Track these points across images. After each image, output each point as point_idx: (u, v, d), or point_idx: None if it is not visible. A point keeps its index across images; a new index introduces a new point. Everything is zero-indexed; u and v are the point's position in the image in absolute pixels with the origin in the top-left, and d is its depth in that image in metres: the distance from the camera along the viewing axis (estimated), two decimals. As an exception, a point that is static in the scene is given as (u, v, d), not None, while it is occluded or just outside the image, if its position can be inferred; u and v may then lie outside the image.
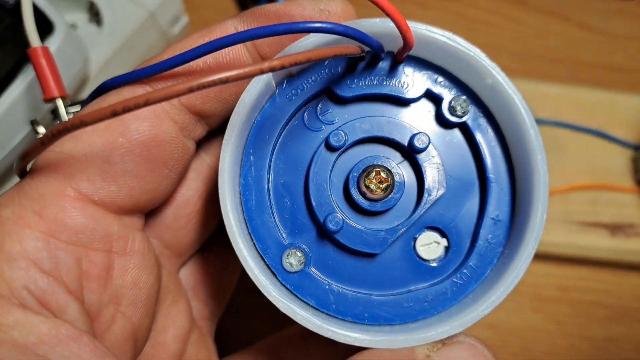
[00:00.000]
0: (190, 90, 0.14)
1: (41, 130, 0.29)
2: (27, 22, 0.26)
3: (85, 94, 0.39)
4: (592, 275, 0.44)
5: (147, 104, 0.14)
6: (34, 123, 0.29)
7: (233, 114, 0.20)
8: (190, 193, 0.24)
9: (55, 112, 0.27)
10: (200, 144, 0.24)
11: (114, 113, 0.14)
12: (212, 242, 0.27)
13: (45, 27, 0.33)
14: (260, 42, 0.21)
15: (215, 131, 0.24)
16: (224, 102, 0.21)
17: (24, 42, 0.33)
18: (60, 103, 0.26)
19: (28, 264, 0.17)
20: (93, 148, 0.19)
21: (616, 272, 0.44)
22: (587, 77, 0.50)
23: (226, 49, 0.20)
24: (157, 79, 0.20)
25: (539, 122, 0.46)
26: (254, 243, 0.21)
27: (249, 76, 0.15)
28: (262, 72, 0.16)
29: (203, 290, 0.26)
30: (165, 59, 0.19)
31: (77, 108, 0.27)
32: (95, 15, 0.42)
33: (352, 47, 0.19)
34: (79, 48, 0.36)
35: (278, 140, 0.21)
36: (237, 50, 0.21)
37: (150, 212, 0.23)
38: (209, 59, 0.20)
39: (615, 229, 0.43)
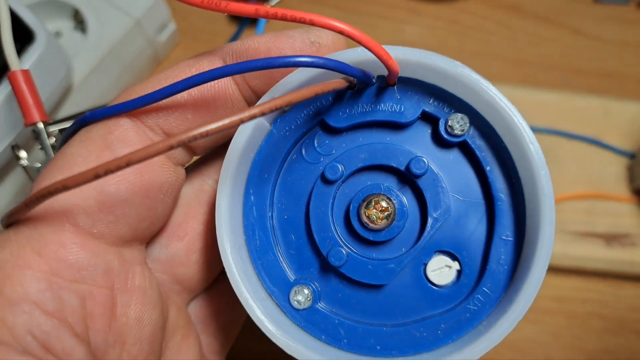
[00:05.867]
0: (171, 147, 0.14)
1: (23, 155, 0.28)
2: (6, 43, 0.25)
3: (68, 104, 0.38)
4: (587, 286, 0.43)
5: (128, 164, 0.14)
6: (14, 148, 0.28)
7: (225, 162, 0.20)
8: (202, 227, 0.24)
9: (36, 134, 0.26)
10: (202, 170, 0.24)
11: (97, 176, 0.14)
12: (223, 274, 0.26)
13: (25, 36, 0.33)
14: (250, 74, 0.21)
15: (219, 153, 0.24)
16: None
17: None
18: (41, 127, 0.26)
19: (31, 307, 0.16)
20: None
21: (612, 282, 0.43)
22: (581, 84, 0.49)
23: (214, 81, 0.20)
24: (141, 112, 0.20)
25: (533, 130, 0.45)
26: (261, 283, 0.20)
27: (230, 127, 0.15)
28: (242, 122, 0.16)
29: (213, 323, 0.26)
30: (150, 92, 0.19)
31: (58, 127, 0.27)
32: (80, 23, 0.42)
33: (335, 82, 0.19)
34: (62, 57, 0.35)
35: (278, 177, 0.21)
36: (225, 83, 0.21)
37: (162, 247, 0.23)
38: (194, 91, 0.20)
39: (610, 239, 0.42)
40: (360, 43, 0.17)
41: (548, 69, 0.50)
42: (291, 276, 0.21)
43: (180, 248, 0.23)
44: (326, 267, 0.21)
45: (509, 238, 0.20)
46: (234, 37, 0.49)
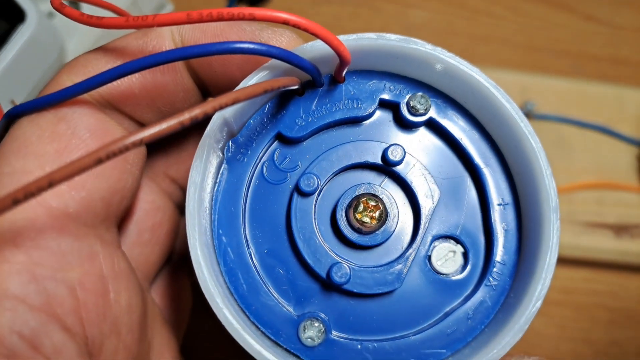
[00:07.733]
0: (99, 161, 0.13)
1: None
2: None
3: (62, 87, 0.37)
4: (596, 278, 0.43)
5: (51, 185, 0.13)
6: None
7: (187, 212, 0.18)
8: (147, 206, 0.23)
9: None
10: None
11: (15, 201, 0.13)
12: (166, 264, 0.25)
13: (16, 15, 0.31)
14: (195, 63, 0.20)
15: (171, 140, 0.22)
16: (158, 112, 0.20)
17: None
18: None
19: (14, 303, 0.15)
20: (48, 158, 0.17)
21: (621, 274, 0.43)
22: (592, 71, 0.48)
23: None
24: (73, 102, 0.18)
25: (543, 117, 0.44)
26: (261, 331, 0.18)
27: (169, 132, 0.14)
28: (182, 125, 0.14)
29: (168, 315, 0.24)
30: (90, 77, 0.17)
31: None
32: (74, 3, 0.40)
33: (286, 79, 0.17)
34: (54, 38, 0.34)
35: (245, 209, 0.19)
36: (174, 69, 0.19)
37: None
38: (140, 75, 0.19)
39: (620, 229, 0.42)
40: (308, 31, 0.16)
41: (559, 55, 0.48)
42: (293, 313, 0.18)
43: (131, 228, 0.22)
44: (328, 291, 0.19)
45: (506, 202, 0.19)
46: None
